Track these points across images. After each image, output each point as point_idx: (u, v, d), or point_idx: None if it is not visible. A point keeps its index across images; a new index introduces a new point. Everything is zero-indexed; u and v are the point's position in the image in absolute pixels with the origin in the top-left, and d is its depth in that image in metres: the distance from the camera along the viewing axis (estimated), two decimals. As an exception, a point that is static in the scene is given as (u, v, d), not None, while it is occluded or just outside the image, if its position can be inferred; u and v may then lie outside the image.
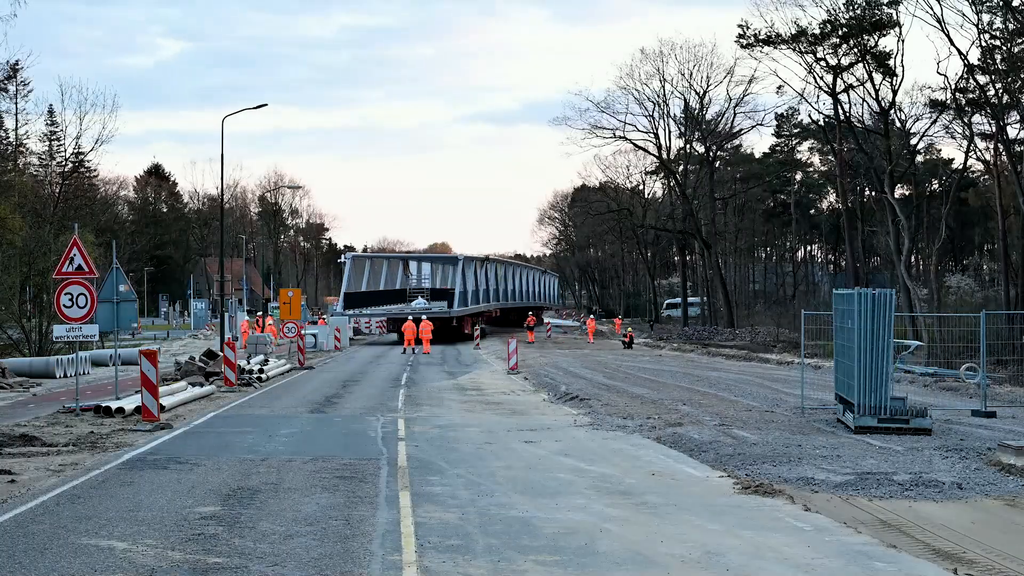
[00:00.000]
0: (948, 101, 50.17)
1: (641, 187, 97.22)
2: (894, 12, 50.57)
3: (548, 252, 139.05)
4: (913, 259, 56.27)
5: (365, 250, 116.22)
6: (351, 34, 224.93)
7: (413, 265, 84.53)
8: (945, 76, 62.47)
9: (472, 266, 68.61)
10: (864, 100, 54.49)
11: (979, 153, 56.44)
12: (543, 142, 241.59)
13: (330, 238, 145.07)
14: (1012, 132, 48.87)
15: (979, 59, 47.54)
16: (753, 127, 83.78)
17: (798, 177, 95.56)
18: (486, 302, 72.53)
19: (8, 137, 63.64)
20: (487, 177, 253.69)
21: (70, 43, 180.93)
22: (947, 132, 57.08)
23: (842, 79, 53.74)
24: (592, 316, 79.38)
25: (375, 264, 74.62)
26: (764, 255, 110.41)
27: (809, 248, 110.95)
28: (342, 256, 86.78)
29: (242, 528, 10.62)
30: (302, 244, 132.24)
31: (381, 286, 73.15)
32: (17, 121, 61.04)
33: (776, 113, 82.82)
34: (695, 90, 72.84)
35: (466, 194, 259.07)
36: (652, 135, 75.13)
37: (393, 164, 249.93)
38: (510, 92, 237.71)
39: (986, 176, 68.13)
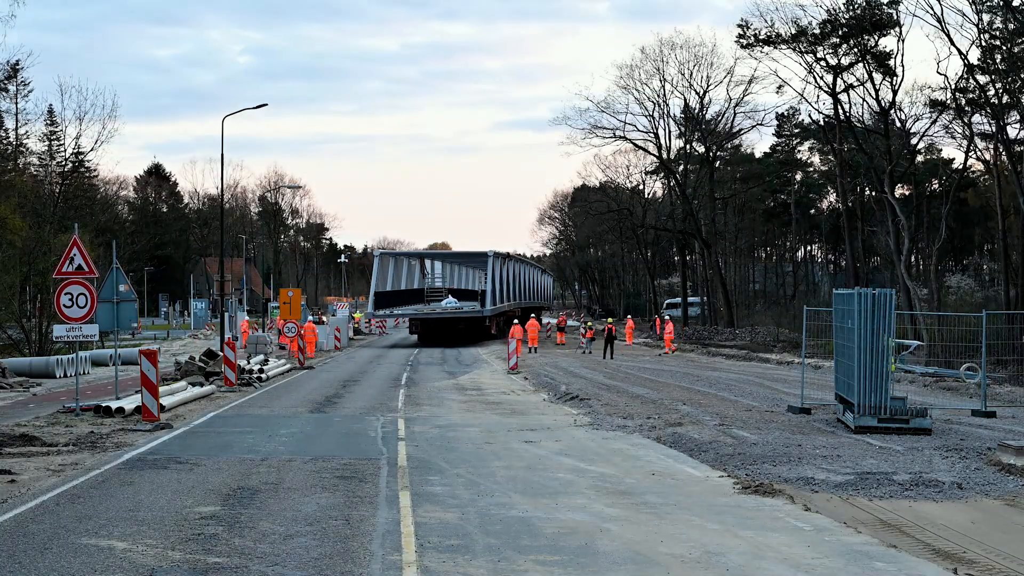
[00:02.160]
0: (948, 101, 50.16)
1: (641, 187, 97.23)
2: (894, 12, 50.60)
3: (548, 252, 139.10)
4: (913, 259, 56.26)
5: (366, 250, 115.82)
6: (417, 50, 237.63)
7: (427, 263, 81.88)
8: (945, 76, 62.48)
9: (499, 264, 65.85)
10: (864, 100, 54.53)
11: (979, 153, 56.48)
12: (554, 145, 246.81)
13: (330, 238, 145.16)
14: (1012, 132, 48.87)
15: (979, 59, 47.53)
16: (753, 127, 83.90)
17: (798, 177, 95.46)
18: (511, 301, 70.46)
19: (8, 137, 63.67)
20: (496, 179, 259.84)
21: (158, 60, 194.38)
22: (947, 132, 57.09)
23: (842, 79, 53.74)
24: (630, 317, 76.39)
25: (398, 262, 72.37)
26: (764, 255, 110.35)
27: (809, 248, 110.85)
28: (370, 252, 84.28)
29: (242, 528, 10.62)
30: (302, 244, 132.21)
31: (402, 285, 71.33)
32: (17, 121, 61.08)
33: (776, 113, 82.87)
34: (695, 90, 72.84)
35: (470, 195, 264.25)
36: (652, 135, 75.13)
37: (408, 167, 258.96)
38: (548, 103, 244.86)
39: (986, 176, 68.10)
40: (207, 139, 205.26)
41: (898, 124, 54.67)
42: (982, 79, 47.42)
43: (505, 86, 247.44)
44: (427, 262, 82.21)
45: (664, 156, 76.42)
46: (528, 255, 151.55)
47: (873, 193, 62.34)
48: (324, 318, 69.18)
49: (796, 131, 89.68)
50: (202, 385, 27.32)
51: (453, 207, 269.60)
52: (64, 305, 20.91)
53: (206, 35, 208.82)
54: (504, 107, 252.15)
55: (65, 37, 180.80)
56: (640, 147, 78.43)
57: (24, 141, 63.16)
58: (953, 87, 48.60)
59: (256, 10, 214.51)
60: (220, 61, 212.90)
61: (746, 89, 70.34)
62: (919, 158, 66.85)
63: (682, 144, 77.49)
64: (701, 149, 76.30)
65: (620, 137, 74.58)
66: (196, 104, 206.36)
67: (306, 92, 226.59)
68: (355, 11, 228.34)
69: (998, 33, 46.64)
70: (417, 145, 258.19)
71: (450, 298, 68.07)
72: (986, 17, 45.89)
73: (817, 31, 53.00)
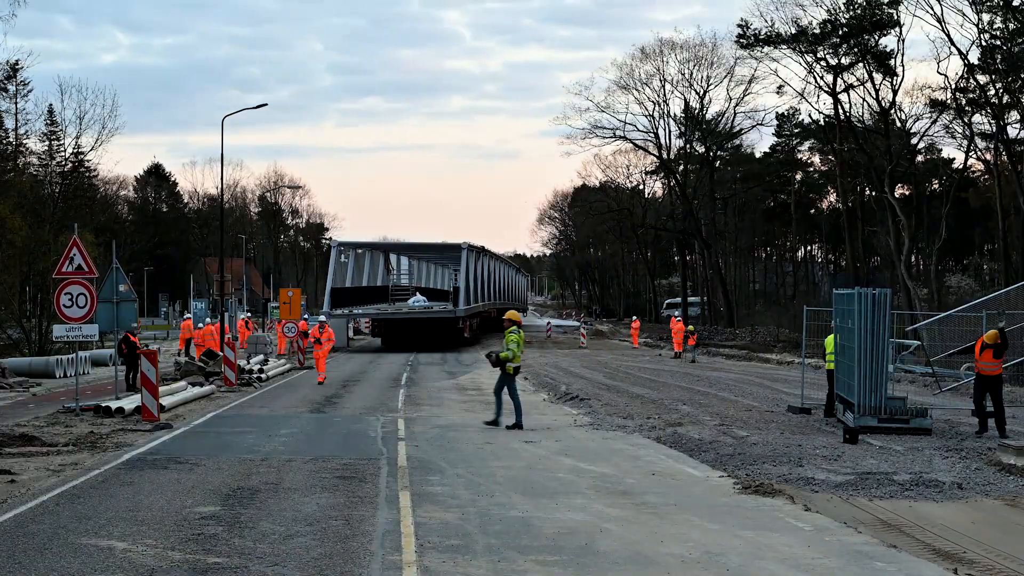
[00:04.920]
0: (948, 101, 50.24)
1: (641, 187, 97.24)
2: (894, 12, 50.64)
3: (548, 252, 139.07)
4: (913, 259, 56.24)
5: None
6: (499, 69, 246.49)
7: (392, 258, 72.67)
8: (945, 76, 62.50)
9: (473, 258, 59.52)
10: (864, 100, 54.64)
11: (979, 153, 56.55)
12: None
13: (330, 238, 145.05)
14: (1012, 132, 48.97)
15: (979, 59, 47.59)
16: (753, 127, 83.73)
17: (798, 177, 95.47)
18: (485, 301, 63.49)
19: (8, 137, 63.57)
20: (508, 181, 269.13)
21: (249, 77, 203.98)
22: (947, 132, 57.17)
23: (842, 79, 53.82)
24: (636, 318, 72.60)
25: (359, 255, 63.63)
26: (764, 255, 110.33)
27: (809, 248, 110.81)
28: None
29: (242, 528, 10.61)
30: (302, 244, 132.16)
31: (364, 281, 63.15)
32: (17, 121, 60.98)
33: (776, 113, 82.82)
34: (695, 90, 72.94)
35: (481, 197, 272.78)
36: (652, 135, 75.22)
37: (436, 172, 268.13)
38: (588, 114, 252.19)
39: (986, 176, 68.12)
40: (277, 146, 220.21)
41: (898, 124, 54.72)
42: (982, 79, 47.49)
43: (574, 98, 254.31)
44: (392, 257, 72.78)
45: (664, 156, 76.47)
46: (528, 255, 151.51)
47: (873, 193, 62.31)
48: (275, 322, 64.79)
49: (796, 131, 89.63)
50: (202, 385, 27.32)
51: (461, 209, 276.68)
52: (64, 305, 20.91)
53: (295, 57, 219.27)
54: (544, 117, 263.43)
55: (167, 57, 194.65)
56: (640, 147, 78.60)
57: (24, 141, 63.07)
58: (953, 87, 48.69)
59: (345, 35, 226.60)
60: (304, 78, 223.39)
61: (746, 89, 70.47)
62: (919, 158, 66.86)
63: (682, 144, 77.61)
64: (701, 149, 76.36)
65: (620, 137, 74.74)
66: (275, 115, 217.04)
67: (385, 106, 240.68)
68: (447, 37, 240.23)
69: (998, 33, 46.69)
70: (464, 151, 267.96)
71: (418, 296, 60.92)
72: (986, 17, 46.00)
73: (817, 31, 53.08)
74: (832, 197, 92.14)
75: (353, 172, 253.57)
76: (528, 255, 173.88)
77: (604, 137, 73.69)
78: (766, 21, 56.22)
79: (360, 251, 64.06)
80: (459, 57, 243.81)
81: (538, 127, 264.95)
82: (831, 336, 21.14)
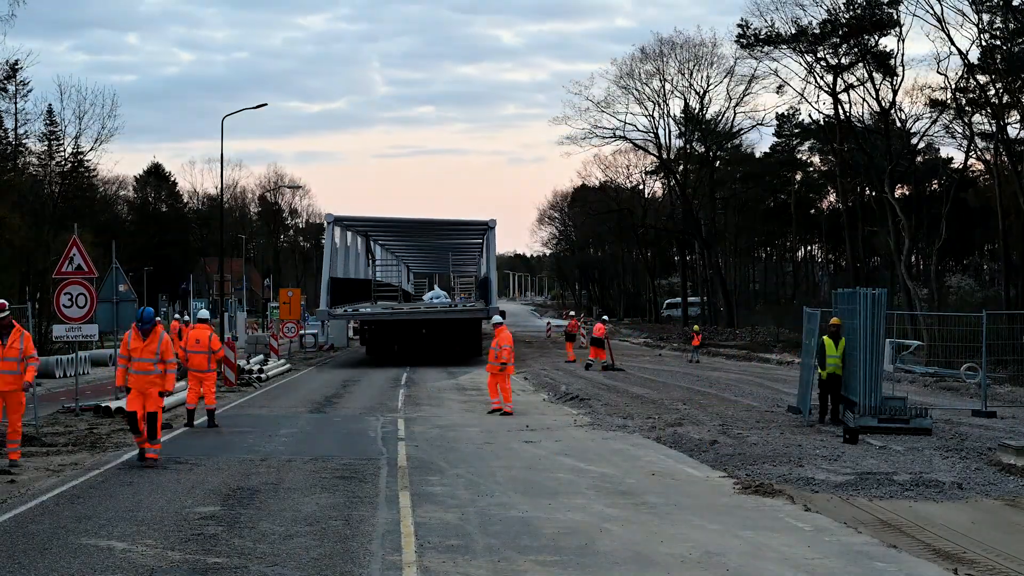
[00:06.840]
0: (948, 101, 50.17)
1: (641, 187, 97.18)
2: (894, 12, 50.60)
3: (548, 252, 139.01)
4: (913, 259, 56.19)
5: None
6: (550, 78, 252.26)
7: (374, 245, 57.39)
8: (945, 76, 62.33)
9: (495, 241, 46.50)
10: (864, 100, 54.53)
11: (979, 153, 56.43)
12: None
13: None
14: (1012, 132, 48.85)
15: (979, 59, 47.53)
16: (753, 127, 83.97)
17: (798, 177, 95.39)
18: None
19: (7, 137, 63.53)
20: (521, 184, 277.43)
21: (309, 87, 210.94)
22: (947, 132, 57.03)
23: (842, 79, 53.77)
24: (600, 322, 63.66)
25: (353, 238, 50.90)
26: (764, 255, 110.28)
27: (809, 248, 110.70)
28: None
29: (242, 528, 10.61)
30: (302, 244, 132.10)
31: (353, 272, 50.42)
32: (16, 121, 60.87)
33: (776, 113, 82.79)
34: (695, 90, 72.92)
35: (488, 197, 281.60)
36: (652, 135, 75.18)
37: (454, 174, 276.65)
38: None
39: (986, 176, 68.03)
40: (331, 153, 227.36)
41: (898, 124, 54.64)
42: (982, 79, 47.43)
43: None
44: (374, 242, 56.58)
45: (664, 156, 76.43)
46: (528, 255, 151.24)
47: (873, 193, 62.27)
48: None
49: (796, 131, 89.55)
50: (202, 385, 27.27)
51: (468, 209, 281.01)
52: (64, 305, 20.92)
53: (361, 74, 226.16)
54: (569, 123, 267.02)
55: (228, 69, 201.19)
56: (640, 147, 78.55)
57: (24, 141, 63.01)
58: (953, 87, 48.63)
59: (404, 52, 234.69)
60: (363, 89, 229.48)
61: (746, 89, 70.40)
62: (919, 158, 66.82)
63: (682, 144, 77.54)
64: (701, 149, 76.32)
65: (620, 137, 74.68)
66: (327, 123, 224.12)
67: (435, 115, 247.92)
68: (501, 53, 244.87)
69: (998, 33, 46.65)
70: (494, 156, 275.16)
71: (437, 290, 51.45)
72: (986, 17, 45.92)
73: (817, 31, 53.03)
74: (832, 197, 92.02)
75: (385, 174, 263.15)
76: (528, 255, 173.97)
77: (604, 137, 73.69)
78: (766, 21, 56.18)
79: (354, 233, 51.24)
80: (514, 71, 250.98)
81: (564, 131, 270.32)
82: (827, 338, 20.51)
